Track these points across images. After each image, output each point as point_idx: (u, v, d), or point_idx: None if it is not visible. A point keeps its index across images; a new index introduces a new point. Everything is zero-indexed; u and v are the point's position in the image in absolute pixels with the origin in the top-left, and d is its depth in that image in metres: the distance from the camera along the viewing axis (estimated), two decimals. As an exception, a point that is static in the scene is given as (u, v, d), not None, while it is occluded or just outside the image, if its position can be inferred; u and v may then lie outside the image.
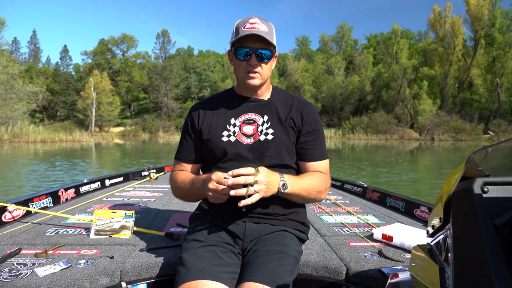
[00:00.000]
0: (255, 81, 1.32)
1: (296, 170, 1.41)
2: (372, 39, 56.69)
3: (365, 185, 3.10)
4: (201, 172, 1.49)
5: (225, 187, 1.12)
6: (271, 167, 1.33)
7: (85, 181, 2.93)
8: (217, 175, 1.15)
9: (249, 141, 1.34)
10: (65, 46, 74.25)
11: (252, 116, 1.38)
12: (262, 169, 1.16)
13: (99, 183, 3.10)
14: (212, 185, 1.15)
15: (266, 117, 1.37)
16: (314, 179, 1.33)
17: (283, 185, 1.21)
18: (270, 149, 1.33)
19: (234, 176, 1.11)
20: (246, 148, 1.33)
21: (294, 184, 1.25)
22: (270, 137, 1.34)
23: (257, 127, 1.36)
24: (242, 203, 1.10)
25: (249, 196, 1.11)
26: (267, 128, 1.35)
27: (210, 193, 1.16)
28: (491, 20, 39.16)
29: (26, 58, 63.48)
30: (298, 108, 1.39)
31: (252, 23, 1.27)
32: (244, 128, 1.36)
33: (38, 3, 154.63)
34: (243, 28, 1.27)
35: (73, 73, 65.33)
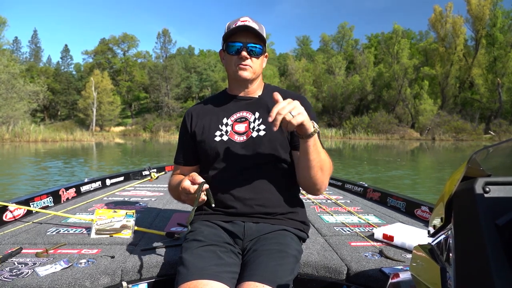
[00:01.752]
0: (246, 73, 1.33)
1: (291, 165, 1.39)
2: (373, 39, 56.64)
3: (366, 185, 3.10)
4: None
5: (194, 194, 1.18)
6: (266, 163, 1.34)
7: (85, 180, 2.93)
8: (184, 184, 1.20)
9: (242, 139, 1.35)
10: (66, 45, 74.39)
11: (244, 114, 1.39)
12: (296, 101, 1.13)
13: (99, 182, 3.10)
14: (184, 196, 1.24)
15: (257, 114, 1.38)
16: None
17: (315, 125, 1.18)
18: (263, 145, 1.33)
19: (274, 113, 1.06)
20: (239, 146, 1.34)
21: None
22: (262, 133, 1.34)
23: (249, 124, 1.36)
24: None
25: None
26: (259, 125, 1.36)
27: (186, 201, 1.27)
28: (492, 20, 39.08)
29: (27, 57, 63.60)
30: None
31: (243, 21, 1.32)
32: (236, 127, 1.37)
33: (39, 3, 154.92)
34: (234, 25, 1.31)
35: (74, 72, 65.46)
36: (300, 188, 1.42)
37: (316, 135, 1.18)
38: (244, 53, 1.30)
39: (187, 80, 56.98)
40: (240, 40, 1.30)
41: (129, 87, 58.92)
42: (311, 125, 1.14)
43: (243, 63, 1.31)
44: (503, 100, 37.90)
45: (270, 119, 1.06)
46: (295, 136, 1.36)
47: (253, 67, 1.34)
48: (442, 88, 41.12)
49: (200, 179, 1.17)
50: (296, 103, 1.10)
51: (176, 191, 1.35)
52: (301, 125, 1.11)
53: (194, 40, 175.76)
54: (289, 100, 1.10)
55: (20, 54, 61.30)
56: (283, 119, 1.06)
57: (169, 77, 53.81)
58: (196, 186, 1.16)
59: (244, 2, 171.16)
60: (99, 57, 60.82)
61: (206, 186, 1.17)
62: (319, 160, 1.22)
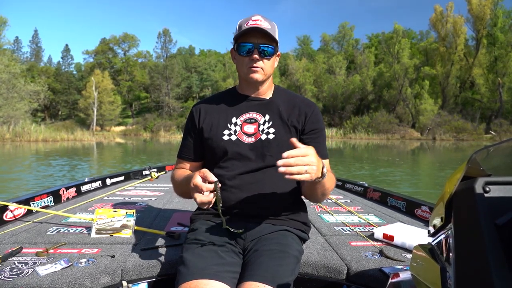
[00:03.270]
0: (257, 75, 1.30)
1: None
2: (374, 39, 56.61)
3: (366, 185, 3.09)
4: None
5: (206, 196, 1.08)
6: (273, 166, 1.33)
7: (86, 180, 2.93)
8: (196, 181, 1.09)
9: (250, 140, 1.33)
10: (66, 45, 74.46)
11: (254, 115, 1.37)
12: (312, 149, 1.06)
13: (100, 182, 3.10)
14: (195, 195, 1.10)
15: (267, 116, 1.36)
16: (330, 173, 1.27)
17: (324, 170, 1.11)
18: (271, 148, 1.32)
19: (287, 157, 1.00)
20: (247, 147, 1.33)
21: (327, 173, 1.15)
22: (271, 136, 1.33)
23: (258, 126, 1.35)
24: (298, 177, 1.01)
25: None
26: (268, 128, 1.35)
27: (197, 199, 1.11)
28: (493, 20, 39.03)
29: (27, 57, 63.65)
30: (301, 108, 1.38)
31: (255, 20, 1.28)
32: (245, 127, 1.35)
33: (40, 2, 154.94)
34: (246, 25, 1.27)
35: (74, 72, 65.45)
36: None
37: (326, 176, 1.12)
38: (256, 55, 1.27)
39: (187, 80, 56.96)
40: (251, 41, 1.27)
41: (129, 87, 58.91)
42: (319, 173, 1.09)
43: (255, 65, 1.29)
44: (504, 100, 37.85)
45: (280, 165, 0.99)
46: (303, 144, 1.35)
47: (265, 69, 1.31)
48: (443, 88, 41.08)
49: (213, 177, 1.10)
50: (313, 157, 1.04)
51: (182, 187, 1.31)
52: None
53: (195, 40, 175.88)
54: (306, 151, 1.03)
55: (21, 54, 61.44)
56: (299, 172, 1.01)
57: (169, 77, 53.80)
58: (209, 185, 1.09)
59: (245, 2, 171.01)
60: (100, 57, 60.83)
61: (219, 184, 1.11)
62: (322, 190, 1.21)
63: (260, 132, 1.34)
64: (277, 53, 1.36)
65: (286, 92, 1.46)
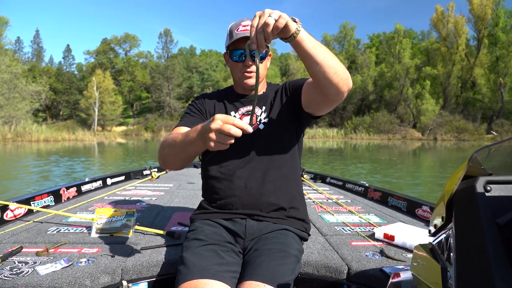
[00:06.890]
0: (252, 81, 1.36)
1: (298, 153, 1.44)
2: (375, 39, 56.58)
3: (367, 185, 3.09)
4: (199, 171, 1.49)
5: (232, 125, 0.96)
6: (271, 154, 1.38)
7: (86, 180, 2.94)
8: (223, 114, 1.00)
9: (249, 130, 1.36)
10: (68, 45, 74.60)
11: (251, 108, 1.41)
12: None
13: (100, 182, 3.10)
14: (216, 124, 0.96)
15: (264, 108, 1.43)
16: None
17: (295, 21, 1.00)
18: (269, 137, 1.38)
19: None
20: (247, 137, 1.34)
21: (309, 35, 1.05)
22: (269, 125, 1.39)
23: (256, 118, 1.41)
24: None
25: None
26: (265, 118, 1.41)
27: (213, 135, 0.98)
28: (495, 20, 38.99)
29: (29, 57, 63.71)
30: (283, 87, 1.45)
31: (244, 26, 1.32)
32: (244, 119, 1.40)
33: (41, 3, 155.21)
34: (236, 31, 1.32)
35: (75, 72, 65.60)
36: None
37: (308, 36, 1.03)
38: (249, 62, 1.32)
39: (188, 80, 57.05)
40: (242, 47, 1.32)
41: (130, 87, 58.97)
42: (293, 24, 0.99)
43: (248, 70, 1.34)
44: (505, 100, 37.78)
45: (253, 42, 0.96)
46: (300, 93, 1.34)
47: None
48: (444, 88, 41.05)
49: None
50: (270, 10, 0.97)
51: (181, 140, 1.18)
52: (285, 27, 0.97)
53: (196, 40, 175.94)
54: (259, 12, 0.97)
55: (22, 54, 61.47)
56: (265, 27, 0.94)
57: (170, 77, 53.91)
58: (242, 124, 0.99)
59: (246, 2, 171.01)
60: (101, 57, 60.90)
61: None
62: (325, 57, 1.06)
63: (258, 123, 1.39)
64: (269, 54, 1.42)
65: (276, 85, 1.53)
